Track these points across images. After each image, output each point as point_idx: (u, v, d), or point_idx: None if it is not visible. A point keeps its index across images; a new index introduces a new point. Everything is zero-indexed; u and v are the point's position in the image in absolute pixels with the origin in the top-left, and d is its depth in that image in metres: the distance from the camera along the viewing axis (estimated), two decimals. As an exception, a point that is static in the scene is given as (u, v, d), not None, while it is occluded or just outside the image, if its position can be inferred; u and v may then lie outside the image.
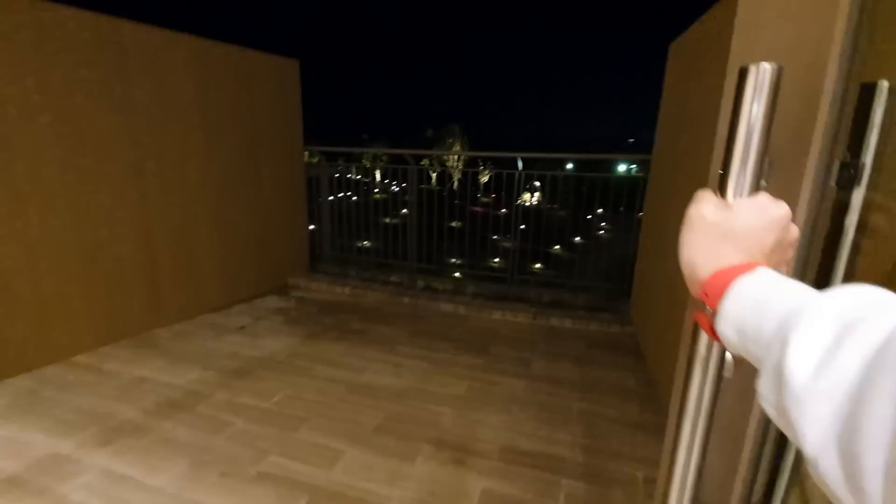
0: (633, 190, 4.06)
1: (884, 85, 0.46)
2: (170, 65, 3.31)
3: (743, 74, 0.41)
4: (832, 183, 0.48)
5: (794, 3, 0.45)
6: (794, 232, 0.42)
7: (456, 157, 52.17)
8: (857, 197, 0.48)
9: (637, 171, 4.80)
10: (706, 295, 0.39)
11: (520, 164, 4.39)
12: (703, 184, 0.49)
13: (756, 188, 0.43)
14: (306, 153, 4.85)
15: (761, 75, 0.40)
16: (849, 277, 0.50)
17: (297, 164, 4.58)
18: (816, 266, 0.51)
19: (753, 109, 0.41)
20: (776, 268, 0.40)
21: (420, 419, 2.42)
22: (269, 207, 4.31)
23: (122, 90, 3.05)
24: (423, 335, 3.49)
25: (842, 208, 0.49)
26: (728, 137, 0.42)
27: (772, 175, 0.49)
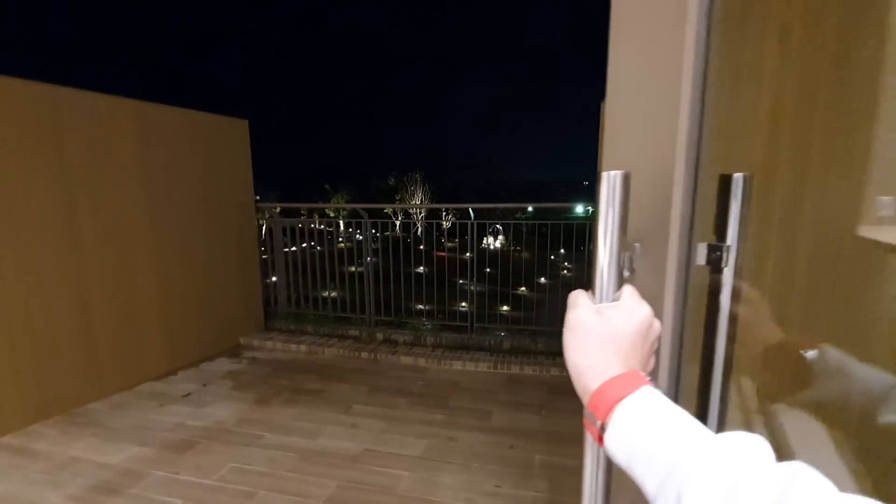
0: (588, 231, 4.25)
1: (738, 176, 0.52)
2: (109, 129, 3.27)
3: (599, 181, 0.45)
4: (700, 263, 0.52)
5: (643, 114, 0.51)
6: (657, 327, 0.48)
7: (417, 205, 52.99)
8: (727, 276, 0.52)
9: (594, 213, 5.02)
10: (595, 408, 0.42)
11: (472, 215, 4.48)
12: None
13: (621, 282, 0.47)
14: (265, 210, 4.80)
15: (612, 181, 0.45)
16: (728, 352, 0.53)
17: (248, 220, 4.51)
18: (700, 342, 0.54)
19: (610, 212, 0.45)
20: (647, 361, 0.46)
21: (376, 485, 2.30)
22: (220, 265, 4.20)
23: (58, 155, 2.97)
24: (381, 391, 3.39)
25: (714, 288, 0.53)
26: (594, 240, 0.47)
27: (642, 262, 0.53)
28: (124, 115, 3.36)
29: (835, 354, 0.56)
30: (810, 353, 0.57)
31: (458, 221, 4.50)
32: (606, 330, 0.45)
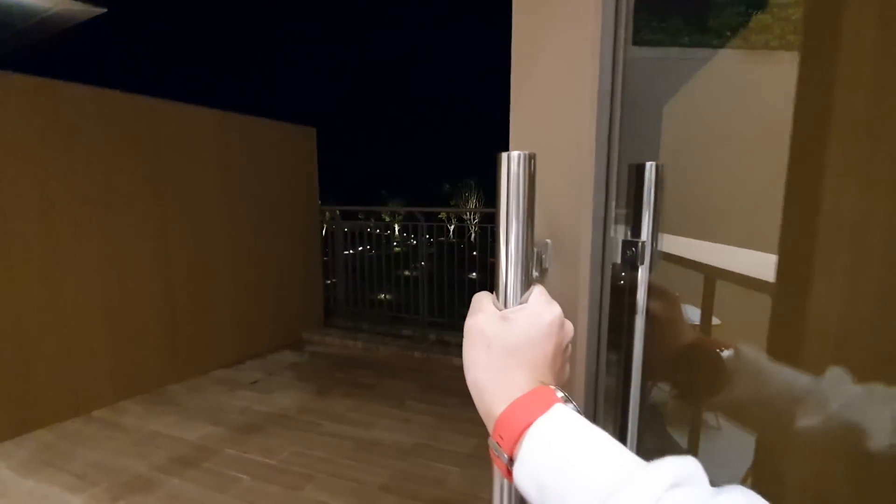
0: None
1: (650, 165, 0.48)
2: (196, 137, 3.60)
3: (498, 163, 0.38)
4: (617, 261, 0.49)
5: (551, 93, 0.46)
6: (570, 329, 0.41)
7: (473, 209, 53.19)
8: (643, 274, 0.49)
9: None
10: (500, 437, 0.35)
11: None
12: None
13: (529, 281, 0.41)
14: (326, 212, 5.07)
15: (513, 163, 0.38)
16: (647, 356, 0.52)
17: (312, 223, 4.78)
18: (617, 346, 0.52)
19: (513, 200, 0.38)
20: (561, 370, 0.40)
21: (426, 478, 2.39)
22: (286, 264, 4.47)
23: (152, 160, 3.32)
24: (432, 389, 3.49)
25: (631, 287, 0.49)
26: (496, 231, 0.40)
27: (555, 260, 0.47)
28: (208, 123, 3.69)
29: (751, 353, 0.54)
30: (726, 353, 0.55)
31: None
32: (510, 338, 0.38)
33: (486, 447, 0.37)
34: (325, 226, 5.22)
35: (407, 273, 4.98)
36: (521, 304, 0.40)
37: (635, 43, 0.49)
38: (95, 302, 3.04)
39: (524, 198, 0.38)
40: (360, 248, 5.07)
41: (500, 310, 0.40)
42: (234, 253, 3.95)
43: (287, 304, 4.54)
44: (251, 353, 4.16)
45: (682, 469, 0.29)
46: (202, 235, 3.69)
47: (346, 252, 5.11)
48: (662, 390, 0.65)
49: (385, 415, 3.06)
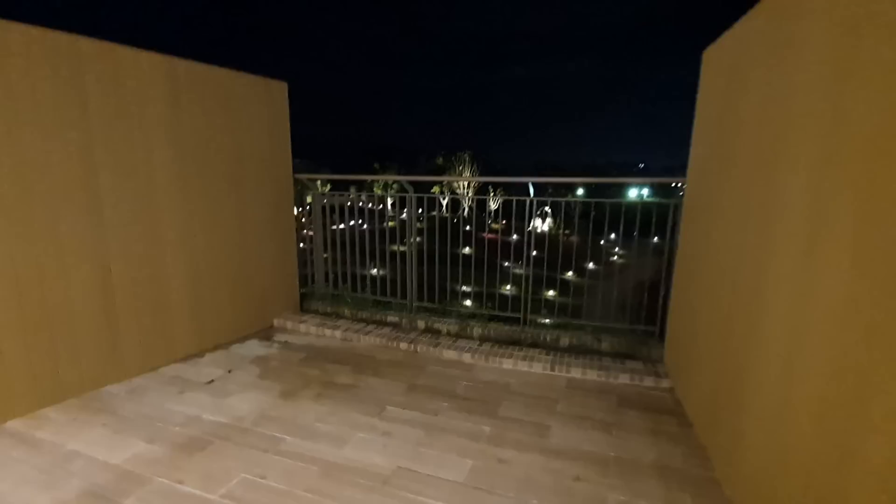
0: (647, 216, 3.75)
1: None
2: (136, 85, 2.94)
3: None
4: None
5: None
6: None
7: (466, 183, 52.39)
8: None
9: (650, 197, 4.49)
10: None
11: (531, 191, 3.92)
12: None
13: None
14: (304, 182, 4.44)
15: None
16: None
17: (285, 192, 4.16)
18: None
19: None
20: None
21: (409, 517, 1.87)
22: (253, 241, 3.87)
23: (78, 111, 2.66)
24: (420, 390, 2.96)
25: None
26: None
27: None
28: (153, 70, 3.02)
29: None
30: None
31: (514, 198, 3.97)
32: None
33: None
34: (308, 200, 4.62)
35: (395, 248, 4.39)
36: None
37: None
38: (3, 289, 2.44)
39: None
40: (343, 226, 4.47)
41: None
42: (190, 225, 3.34)
43: (256, 287, 3.96)
44: (212, 345, 3.61)
45: None
46: (147, 204, 3.07)
47: (335, 227, 4.51)
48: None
49: (362, 426, 2.53)
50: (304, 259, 4.57)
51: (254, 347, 3.65)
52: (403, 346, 3.66)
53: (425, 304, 4.29)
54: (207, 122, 3.39)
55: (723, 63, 2.54)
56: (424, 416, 2.64)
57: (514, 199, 4.02)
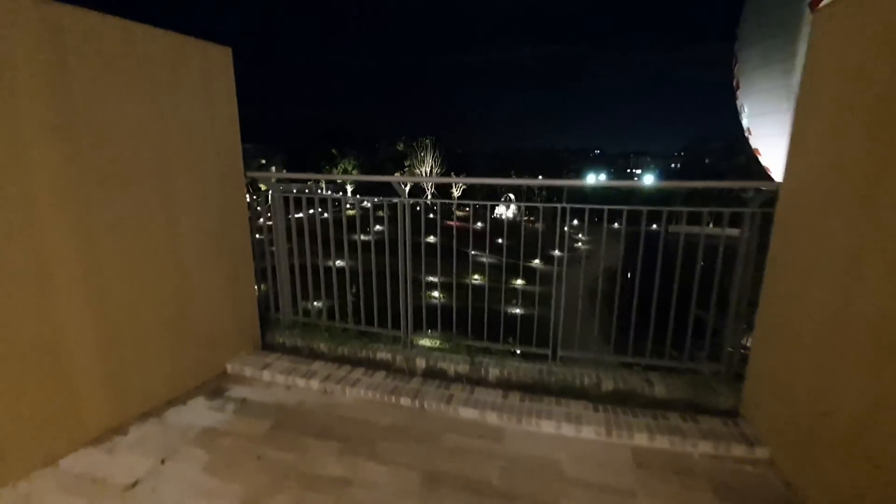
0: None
1: None
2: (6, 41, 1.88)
3: None
4: None
5: None
6: None
7: (429, 170, 51.24)
8: None
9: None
10: None
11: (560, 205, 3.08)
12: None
13: None
14: (271, 179, 3.42)
15: None
16: None
17: (235, 193, 3.13)
18: None
19: None
20: None
21: None
22: (194, 263, 2.86)
23: None
24: (443, 483, 2.11)
25: None
26: None
27: None
28: (20, 16, 1.96)
29: None
30: None
31: (541, 205, 3.16)
32: None
33: None
34: (261, 194, 3.61)
35: (363, 238, 3.47)
36: None
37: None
38: None
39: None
40: (308, 236, 3.50)
41: None
42: (93, 257, 2.31)
43: (200, 325, 2.96)
44: (137, 411, 2.60)
45: None
46: (17, 231, 2.03)
47: (293, 220, 3.53)
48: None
49: (370, 572, 1.66)
50: (266, 275, 3.58)
51: (199, 412, 2.68)
52: (405, 401, 2.78)
53: (425, 333, 3.43)
54: (115, 99, 2.34)
55: (869, 23, 1.78)
56: (461, 541, 1.80)
57: (550, 205, 3.18)
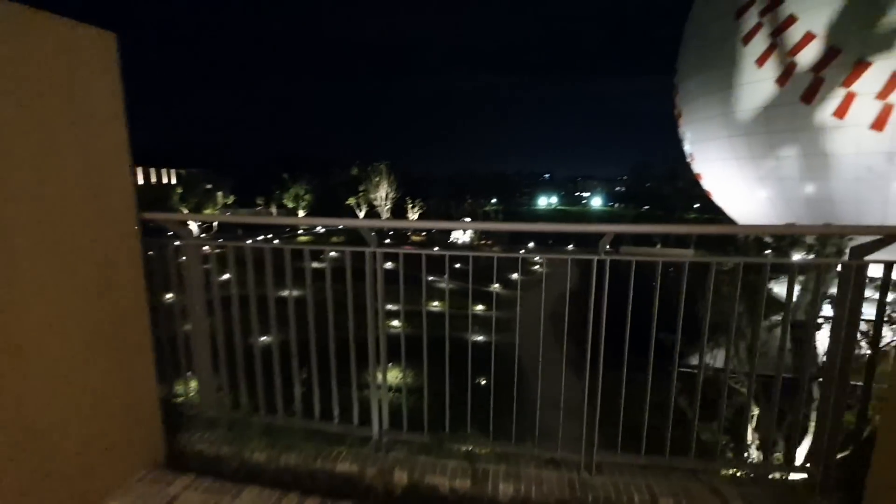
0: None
1: None
2: None
3: None
4: None
5: None
6: None
7: (384, 195, 50.48)
8: None
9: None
10: None
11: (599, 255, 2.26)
12: None
13: None
14: (185, 223, 2.40)
15: None
16: None
17: (124, 243, 2.12)
18: None
19: None
20: None
21: None
22: (54, 342, 1.81)
23: None
24: None
25: None
26: None
27: None
28: None
29: None
30: None
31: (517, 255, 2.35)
32: None
33: None
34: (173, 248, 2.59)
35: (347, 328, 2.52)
36: None
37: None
38: None
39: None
40: (238, 298, 2.52)
41: None
42: None
43: (59, 443, 1.89)
44: None
45: None
46: None
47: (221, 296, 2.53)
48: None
49: None
50: (175, 353, 2.54)
51: None
52: (383, 561, 1.82)
53: (404, 435, 2.48)
54: None
55: None
56: None
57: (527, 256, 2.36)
